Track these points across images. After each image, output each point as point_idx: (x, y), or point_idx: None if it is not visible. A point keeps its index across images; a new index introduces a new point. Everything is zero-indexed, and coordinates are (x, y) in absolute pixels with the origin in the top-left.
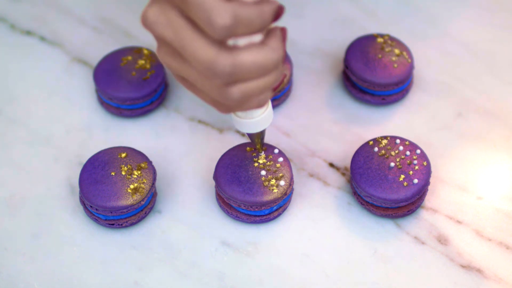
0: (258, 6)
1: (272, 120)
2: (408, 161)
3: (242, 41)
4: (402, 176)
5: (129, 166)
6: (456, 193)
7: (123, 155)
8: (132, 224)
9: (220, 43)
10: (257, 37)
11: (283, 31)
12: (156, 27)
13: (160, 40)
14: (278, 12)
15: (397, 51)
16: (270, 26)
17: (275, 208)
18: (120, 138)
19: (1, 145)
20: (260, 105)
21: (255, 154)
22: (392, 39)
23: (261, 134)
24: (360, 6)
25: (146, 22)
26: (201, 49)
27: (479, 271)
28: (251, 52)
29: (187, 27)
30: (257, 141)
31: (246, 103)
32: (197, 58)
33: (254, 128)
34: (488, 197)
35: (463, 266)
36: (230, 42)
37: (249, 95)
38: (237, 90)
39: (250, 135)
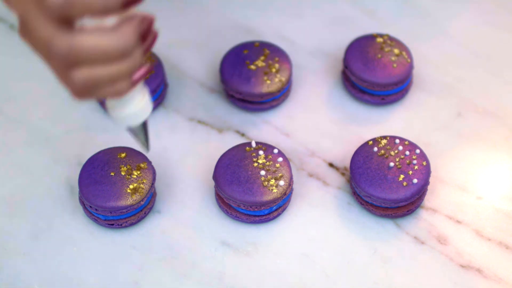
0: None
1: (148, 114)
2: (407, 161)
3: (89, 23)
4: (402, 176)
5: (128, 166)
6: (456, 193)
7: (123, 155)
8: (132, 224)
9: (62, 22)
10: (110, 21)
11: (146, 19)
12: (9, 4)
13: (18, 17)
14: (132, 2)
15: (396, 51)
16: (132, 12)
17: (274, 208)
18: (119, 138)
19: (1, 145)
20: (117, 94)
21: (254, 154)
22: (392, 39)
23: (143, 129)
24: (360, 6)
25: None
26: (40, 27)
27: (478, 271)
28: (94, 36)
29: (33, 4)
30: (139, 137)
31: (96, 90)
32: (36, 37)
33: (128, 121)
34: (488, 197)
35: (462, 266)
36: (79, 23)
37: (95, 81)
38: (79, 74)
39: (131, 131)
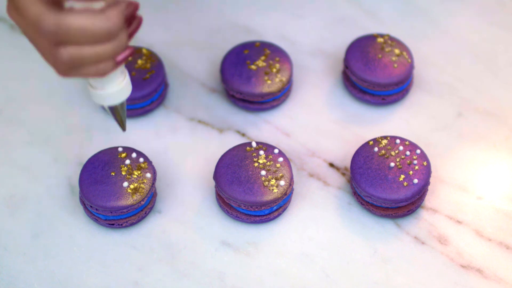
0: None
1: (128, 94)
2: (408, 161)
3: (78, 5)
4: (402, 176)
5: (129, 166)
6: (456, 193)
7: (123, 155)
8: (132, 224)
9: (52, 2)
10: (98, 4)
11: (131, 5)
12: None
13: None
14: None
15: (397, 51)
16: None
17: (275, 208)
18: (120, 138)
19: (1, 145)
20: (99, 74)
21: (255, 154)
22: (392, 39)
23: (121, 109)
24: (360, 6)
25: None
26: (30, 4)
27: (479, 271)
28: (81, 17)
29: None
30: (117, 117)
31: (80, 69)
32: (26, 14)
33: (108, 100)
34: (488, 197)
35: (463, 266)
36: (68, 4)
37: (81, 60)
38: (66, 52)
39: (111, 111)
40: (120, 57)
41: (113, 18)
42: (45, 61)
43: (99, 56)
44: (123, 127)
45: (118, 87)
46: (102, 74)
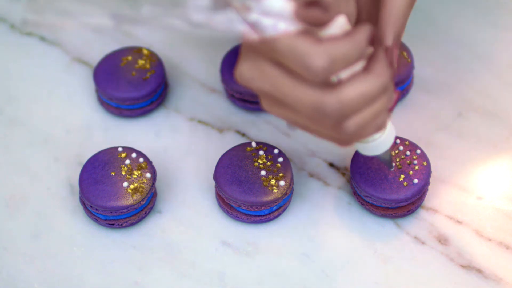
0: (351, 37)
1: (394, 135)
2: (408, 161)
3: (344, 74)
4: (402, 176)
5: (129, 166)
6: (456, 193)
7: (123, 155)
8: (132, 224)
9: (322, 83)
10: (358, 65)
11: (388, 51)
12: (253, 82)
13: (261, 93)
14: (372, 36)
15: None
16: (370, 49)
17: (275, 208)
18: (120, 138)
19: (1, 145)
20: (379, 128)
21: (255, 154)
22: None
23: (388, 151)
24: None
25: (242, 79)
26: (303, 94)
27: (479, 271)
28: (355, 84)
29: (283, 76)
30: (385, 160)
31: (364, 132)
32: (302, 104)
33: (377, 150)
34: (488, 197)
35: (463, 266)
36: (333, 78)
37: (364, 125)
38: (351, 124)
39: (379, 156)
40: (390, 105)
41: (382, 72)
42: (321, 139)
43: (377, 113)
44: (390, 167)
45: (386, 132)
46: (381, 127)
